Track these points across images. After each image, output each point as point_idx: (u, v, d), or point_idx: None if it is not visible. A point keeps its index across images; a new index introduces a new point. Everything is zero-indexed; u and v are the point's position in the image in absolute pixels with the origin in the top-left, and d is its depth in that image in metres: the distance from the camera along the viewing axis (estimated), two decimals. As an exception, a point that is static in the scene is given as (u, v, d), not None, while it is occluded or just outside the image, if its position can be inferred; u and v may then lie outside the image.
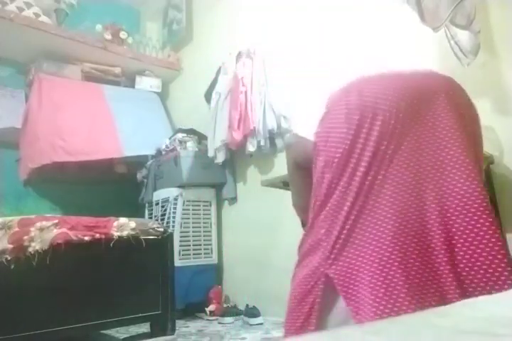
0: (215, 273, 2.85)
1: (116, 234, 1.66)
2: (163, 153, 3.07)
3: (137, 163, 3.26)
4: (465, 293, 0.80)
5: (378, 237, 0.86)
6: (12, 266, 1.41)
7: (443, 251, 0.83)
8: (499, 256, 0.80)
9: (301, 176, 1.17)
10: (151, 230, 1.79)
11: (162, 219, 2.83)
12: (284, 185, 1.84)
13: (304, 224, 1.18)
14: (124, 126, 3.24)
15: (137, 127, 3.31)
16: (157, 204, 2.98)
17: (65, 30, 3.20)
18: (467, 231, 0.83)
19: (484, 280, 0.80)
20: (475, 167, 0.88)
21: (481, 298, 0.44)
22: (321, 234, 0.95)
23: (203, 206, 2.91)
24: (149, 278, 1.79)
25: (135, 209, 3.17)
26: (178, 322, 2.12)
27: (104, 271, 1.66)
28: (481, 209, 0.84)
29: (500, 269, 0.80)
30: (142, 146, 3.20)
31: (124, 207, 2.65)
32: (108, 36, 3.39)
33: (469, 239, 0.83)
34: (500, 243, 0.81)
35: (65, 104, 3.11)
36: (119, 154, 3.12)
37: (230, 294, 2.79)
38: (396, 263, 0.82)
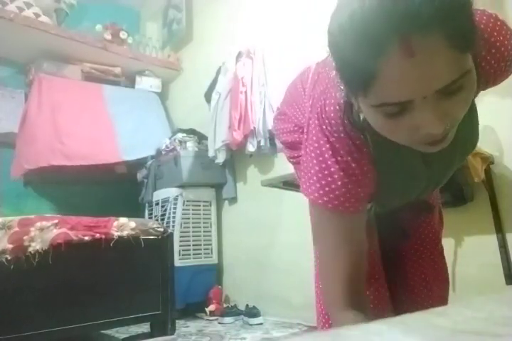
0: (215, 273, 2.86)
1: (116, 234, 1.66)
2: (163, 153, 3.07)
3: (137, 163, 3.26)
4: None
5: None
6: (12, 266, 1.41)
7: None
8: None
9: None
10: (151, 230, 1.79)
11: (162, 219, 2.83)
12: (284, 185, 1.84)
13: None
14: (122, 129, 3.25)
15: (136, 129, 3.32)
16: (157, 204, 2.98)
17: (65, 30, 3.20)
18: None
19: None
20: None
21: (480, 297, 0.44)
22: None
23: (203, 206, 2.91)
24: (149, 278, 1.78)
25: (135, 209, 3.17)
26: (178, 322, 2.13)
27: (104, 271, 1.66)
28: None
29: None
30: (140, 149, 3.22)
31: (124, 207, 2.64)
32: (108, 36, 3.39)
33: None
34: None
35: (64, 105, 3.11)
36: (117, 159, 3.13)
37: (230, 294, 2.79)
38: None
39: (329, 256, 0.74)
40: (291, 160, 0.97)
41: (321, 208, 0.71)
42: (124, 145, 3.17)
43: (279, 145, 2.48)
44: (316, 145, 0.69)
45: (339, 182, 0.67)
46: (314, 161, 0.69)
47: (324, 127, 0.68)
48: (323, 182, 0.68)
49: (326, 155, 0.68)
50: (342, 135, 0.68)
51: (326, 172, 0.68)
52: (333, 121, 0.68)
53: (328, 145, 0.68)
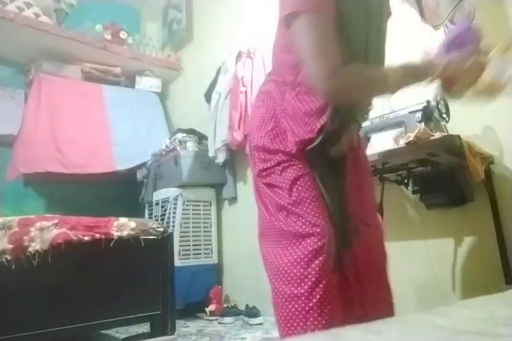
0: (215, 273, 2.86)
1: (116, 234, 1.66)
2: (163, 153, 3.08)
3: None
4: None
5: None
6: (12, 266, 1.41)
7: None
8: None
9: None
10: (151, 230, 1.79)
11: (162, 219, 2.83)
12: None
13: None
14: (120, 136, 3.28)
15: (134, 133, 3.34)
16: (157, 204, 2.98)
17: (65, 30, 3.20)
18: None
19: None
20: None
21: (480, 297, 0.44)
22: None
23: (203, 206, 2.91)
24: (149, 278, 1.78)
25: (135, 209, 3.17)
26: (178, 322, 2.12)
27: (104, 270, 1.65)
28: None
29: None
30: (136, 156, 3.25)
31: (124, 207, 2.64)
32: (108, 36, 3.39)
33: None
34: None
35: (63, 108, 3.11)
36: (112, 168, 3.15)
37: (230, 294, 2.79)
38: None
39: (320, 46, 0.87)
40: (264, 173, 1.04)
41: (304, 14, 0.87)
42: (120, 155, 3.20)
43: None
44: None
45: None
46: None
47: None
48: None
49: None
50: None
51: None
52: None
53: None
